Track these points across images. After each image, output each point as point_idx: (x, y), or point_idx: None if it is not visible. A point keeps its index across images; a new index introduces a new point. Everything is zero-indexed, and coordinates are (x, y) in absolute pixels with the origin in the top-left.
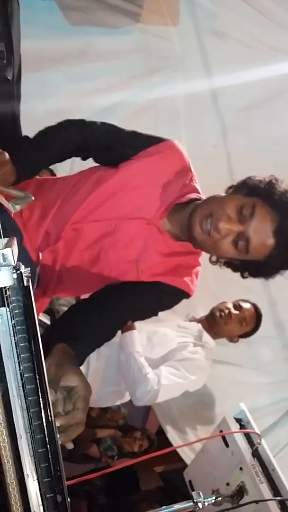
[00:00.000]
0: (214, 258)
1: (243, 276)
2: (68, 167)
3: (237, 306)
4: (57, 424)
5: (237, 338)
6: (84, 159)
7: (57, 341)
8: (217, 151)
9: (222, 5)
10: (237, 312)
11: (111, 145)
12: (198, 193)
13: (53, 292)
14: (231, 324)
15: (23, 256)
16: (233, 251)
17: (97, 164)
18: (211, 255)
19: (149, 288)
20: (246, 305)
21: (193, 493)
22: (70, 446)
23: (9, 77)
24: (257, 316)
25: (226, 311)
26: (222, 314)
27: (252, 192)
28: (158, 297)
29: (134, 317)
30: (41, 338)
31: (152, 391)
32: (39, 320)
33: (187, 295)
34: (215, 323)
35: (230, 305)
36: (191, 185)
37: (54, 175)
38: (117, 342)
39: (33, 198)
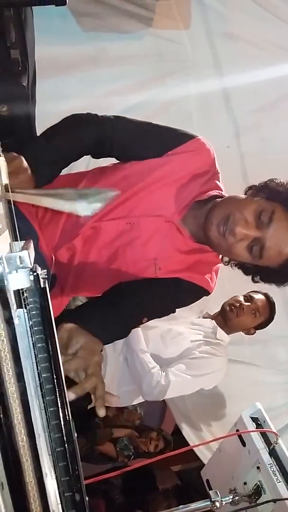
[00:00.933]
0: (226, 259)
1: (254, 281)
2: (84, 166)
3: (248, 298)
4: (73, 395)
5: (253, 329)
6: (96, 157)
7: (65, 321)
8: (231, 152)
9: (233, 7)
10: (248, 303)
11: (129, 144)
12: (220, 190)
13: (71, 291)
14: (243, 317)
15: (39, 258)
16: (246, 256)
17: (114, 160)
18: (224, 256)
19: (167, 285)
20: (257, 296)
21: (211, 492)
22: (102, 413)
23: (24, 83)
24: (270, 305)
25: (237, 304)
26: (233, 307)
27: (273, 196)
28: (176, 294)
29: (151, 314)
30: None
31: (160, 386)
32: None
33: (206, 292)
34: (227, 318)
35: (241, 298)
36: (213, 182)
37: None
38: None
39: (118, 192)
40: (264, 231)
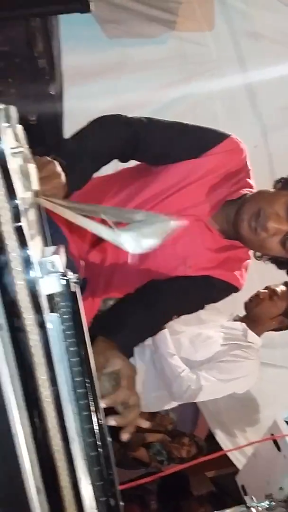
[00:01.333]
0: (259, 254)
1: None
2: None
3: (264, 288)
4: (103, 405)
5: (283, 319)
6: (125, 161)
7: (97, 334)
8: (258, 151)
9: (256, 5)
10: (265, 290)
11: (161, 148)
12: (251, 188)
13: (103, 292)
14: (262, 304)
15: (69, 263)
16: (279, 250)
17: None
18: (256, 251)
19: (196, 282)
20: (275, 285)
21: (246, 498)
22: (126, 437)
23: (52, 92)
24: None
25: (254, 295)
26: (251, 299)
27: None
28: (206, 291)
29: (180, 312)
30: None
31: (190, 390)
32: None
33: (236, 289)
34: (249, 312)
35: (259, 291)
36: (244, 180)
37: None
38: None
39: (178, 222)
40: None
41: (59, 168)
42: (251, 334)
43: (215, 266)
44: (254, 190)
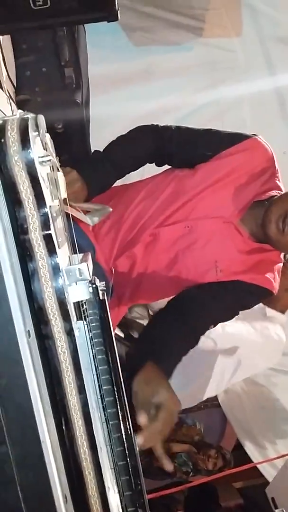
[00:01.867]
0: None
1: None
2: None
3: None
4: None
5: None
6: (159, 165)
7: (144, 361)
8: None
9: (285, 10)
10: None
11: (189, 147)
12: (280, 190)
13: (130, 299)
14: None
15: (97, 270)
16: None
17: (169, 167)
18: (285, 253)
19: (229, 289)
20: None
21: (277, 511)
22: (169, 467)
23: (78, 100)
24: None
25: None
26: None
27: None
28: (239, 297)
29: (217, 321)
30: (127, 357)
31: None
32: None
33: (270, 292)
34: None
35: None
36: (272, 181)
37: None
38: None
39: (111, 209)
40: None
41: (77, 175)
42: (269, 310)
43: (246, 269)
44: (282, 191)
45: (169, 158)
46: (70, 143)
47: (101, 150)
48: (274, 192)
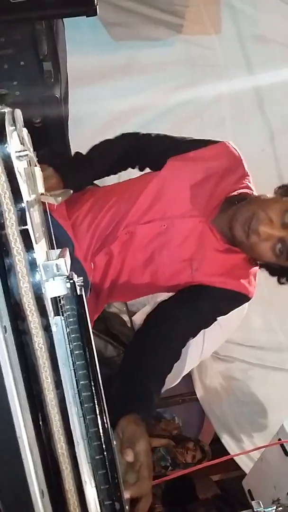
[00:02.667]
0: (252, 260)
1: (279, 282)
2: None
3: None
4: (127, 495)
5: None
6: (141, 169)
7: (126, 411)
8: (266, 155)
9: (263, 8)
10: None
11: (165, 151)
12: (251, 189)
13: (107, 297)
14: None
15: (75, 266)
16: (270, 256)
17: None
18: (249, 256)
19: (206, 298)
20: None
21: (253, 503)
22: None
23: (57, 95)
24: None
25: None
26: None
27: None
28: (215, 304)
29: (196, 333)
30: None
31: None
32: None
33: (246, 297)
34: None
35: None
36: (242, 182)
37: None
38: None
39: (72, 191)
40: None
41: (53, 172)
42: None
43: (222, 273)
44: (253, 192)
45: (149, 164)
46: (48, 138)
47: (82, 153)
48: (245, 190)
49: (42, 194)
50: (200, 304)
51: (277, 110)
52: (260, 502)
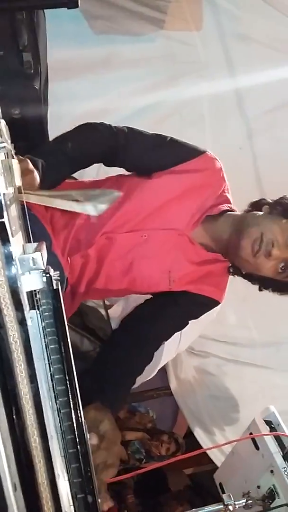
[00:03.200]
0: (231, 270)
1: (260, 289)
2: (95, 173)
3: None
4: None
5: None
6: (108, 165)
7: (92, 400)
8: (243, 153)
9: (245, 7)
10: None
11: (140, 155)
12: (229, 203)
13: (83, 296)
14: None
15: (52, 260)
16: (272, 273)
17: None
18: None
19: (180, 302)
20: None
21: (224, 496)
22: (105, 506)
23: (36, 86)
24: None
25: None
26: None
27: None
28: (190, 309)
29: (169, 336)
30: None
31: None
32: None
33: (218, 303)
34: None
35: None
36: (223, 195)
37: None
38: None
39: (121, 193)
40: None
41: (31, 166)
42: None
43: (196, 280)
44: (232, 206)
45: (120, 161)
46: (27, 129)
47: (53, 141)
48: (225, 207)
49: (22, 192)
50: (176, 309)
51: (256, 109)
52: (231, 495)
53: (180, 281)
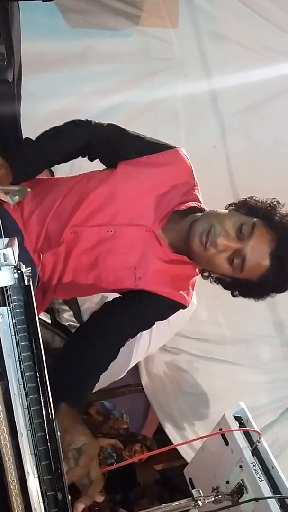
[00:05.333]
0: (206, 274)
1: (233, 295)
2: (68, 168)
3: None
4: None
5: None
6: (91, 160)
7: (58, 401)
8: (217, 152)
9: (221, 7)
10: None
11: (115, 147)
12: (199, 202)
13: (53, 293)
14: None
15: (24, 256)
16: (227, 268)
17: (98, 168)
18: (204, 269)
19: (149, 302)
20: None
21: (193, 491)
22: (99, 499)
23: (9, 79)
24: None
25: None
26: None
27: (253, 212)
28: (156, 310)
29: (135, 333)
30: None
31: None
32: (39, 319)
33: (184, 306)
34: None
35: None
36: (192, 193)
37: (53, 175)
38: None
39: (29, 189)
40: (245, 243)
41: (2, 161)
42: None
43: (164, 283)
44: (202, 205)
45: (98, 155)
46: None
47: (32, 139)
48: (192, 204)
49: None
50: (143, 309)
51: (229, 108)
52: (200, 490)
53: (148, 280)
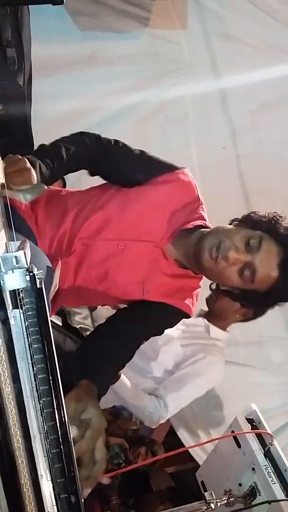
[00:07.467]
0: (214, 286)
1: (242, 306)
2: (75, 179)
3: None
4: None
5: (248, 310)
6: (91, 174)
7: (79, 378)
8: (226, 153)
9: (230, 7)
10: None
11: (122, 167)
12: (204, 220)
13: (61, 302)
14: (223, 299)
15: (43, 261)
16: (237, 280)
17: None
18: (214, 282)
19: (157, 309)
20: None
21: (206, 494)
22: (105, 481)
23: (20, 82)
24: None
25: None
26: (211, 294)
27: (256, 227)
28: (164, 317)
29: (148, 338)
30: (64, 373)
31: (162, 419)
32: (51, 321)
33: (188, 315)
34: (212, 308)
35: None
36: (197, 212)
37: (65, 185)
38: None
39: (46, 187)
40: (254, 256)
41: (28, 165)
42: (214, 329)
43: (169, 293)
44: (207, 223)
45: (103, 172)
46: (10, 125)
47: (49, 145)
48: (199, 222)
49: (9, 188)
50: (154, 315)
51: (239, 109)
52: (213, 493)
53: (155, 292)
